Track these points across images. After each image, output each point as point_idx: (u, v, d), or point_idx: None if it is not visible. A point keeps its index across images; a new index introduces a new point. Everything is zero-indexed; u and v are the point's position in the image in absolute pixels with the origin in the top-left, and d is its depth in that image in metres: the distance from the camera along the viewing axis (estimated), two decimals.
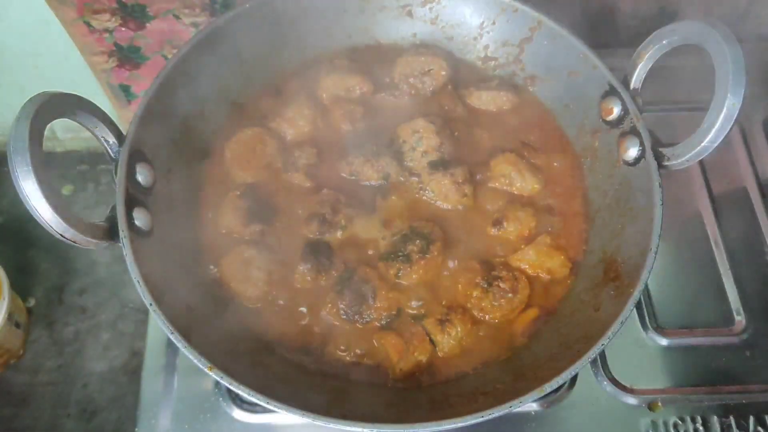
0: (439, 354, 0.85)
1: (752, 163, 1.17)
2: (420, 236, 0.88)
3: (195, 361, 0.71)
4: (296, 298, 0.87)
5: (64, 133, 1.98)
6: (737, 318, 1.03)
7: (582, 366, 0.73)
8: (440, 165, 0.94)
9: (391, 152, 0.96)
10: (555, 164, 0.99)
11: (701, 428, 0.95)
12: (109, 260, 1.92)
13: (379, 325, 0.85)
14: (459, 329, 0.85)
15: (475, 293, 0.87)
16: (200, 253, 0.90)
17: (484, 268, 0.89)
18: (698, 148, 0.80)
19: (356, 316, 0.85)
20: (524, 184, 0.95)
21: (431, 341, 0.84)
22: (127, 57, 1.33)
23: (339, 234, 0.90)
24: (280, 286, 0.88)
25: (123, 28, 1.25)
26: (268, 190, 0.94)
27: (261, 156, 0.95)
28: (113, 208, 0.77)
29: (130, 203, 0.78)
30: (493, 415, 0.69)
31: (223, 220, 0.91)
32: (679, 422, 0.95)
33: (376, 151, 0.95)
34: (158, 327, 0.77)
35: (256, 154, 0.95)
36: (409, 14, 1.05)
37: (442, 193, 0.93)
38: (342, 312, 0.85)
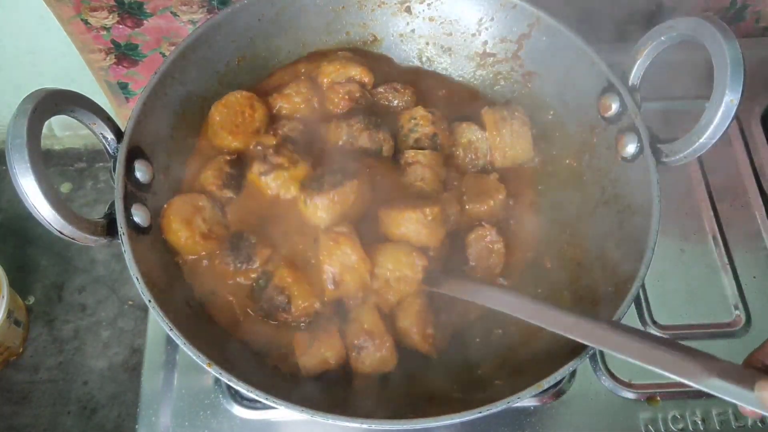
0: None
1: (750, 158, 1.18)
2: None
3: (194, 357, 0.71)
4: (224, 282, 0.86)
5: (62, 130, 1.98)
6: (735, 312, 1.04)
7: (581, 361, 0.73)
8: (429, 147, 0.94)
9: (391, 131, 0.95)
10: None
11: (700, 422, 0.95)
12: (108, 258, 1.92)
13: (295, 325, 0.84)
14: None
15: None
16: None
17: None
18: (696, 144, 0.80)
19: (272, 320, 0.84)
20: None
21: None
22: (125, 54, 1.33)
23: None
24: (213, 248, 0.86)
25: (120, 26, 1.25)
26: (247, 159, 0.92)
27: (250, 122, 0.93)
28: (112, 205, 0.77)
29: (129, 200, 0.78)
30: (492, 411, 0.69)
31: (203, 176, 0.89)
32: (678, 416, 0.95)
33: (379, 123, 0.94)
34: (158, 324, 0.77)
35: (245, 119, 0.93)
36: (408, 10, 1.05)
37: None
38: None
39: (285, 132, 0.93)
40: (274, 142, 0.90)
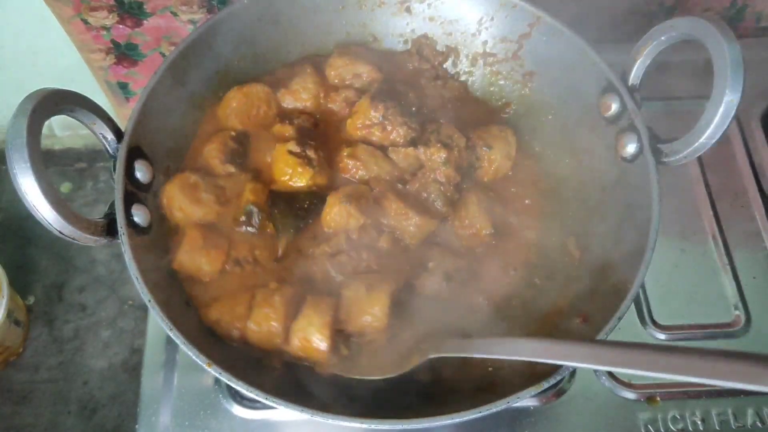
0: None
1: (750, 158, 1.18)
2: None
3: (194, 357, 0.71)
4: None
5: (62, 130, 1.98)
6: (735, 313, 1.04)
7: None
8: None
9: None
10: None
11: (699, 423, 0.95)
12: (108, 258, 1.92)
13: None
14: None
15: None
16: None
17: None
18: (696, 144, 0.80)
19: None
20: None
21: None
22: (125, 54, 1.33)
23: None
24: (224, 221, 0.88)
25: (120, 26, 1.25)
26: (254, 141, 0.95)
27: (263, 117, 0.96)
28: (112, 205, 0.77)
29: (129, 200, 0.78)
30: (492, 411, 0.70)
31: (207, 148, 0.91)
32: (678, 416, 0.95)
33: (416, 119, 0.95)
34: (158, 324, 0.77)
35: (258, 114, 0.96)
36: (408, 10, 1.05)
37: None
38: None
39: (299, 122, 0.95)
40: (292, 132, 0.92)
